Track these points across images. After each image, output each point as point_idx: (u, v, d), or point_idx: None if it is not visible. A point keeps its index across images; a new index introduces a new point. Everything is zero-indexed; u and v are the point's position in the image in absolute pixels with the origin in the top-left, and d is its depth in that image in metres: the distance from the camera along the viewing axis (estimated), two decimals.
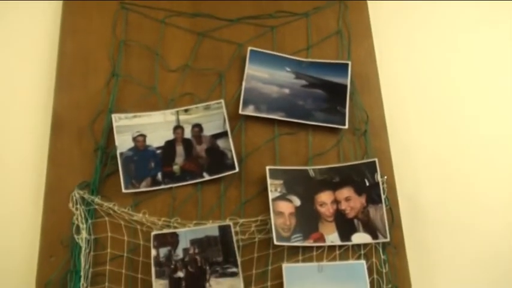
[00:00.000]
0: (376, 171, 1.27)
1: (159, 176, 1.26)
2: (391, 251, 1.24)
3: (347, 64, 1.39)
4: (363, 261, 1.22)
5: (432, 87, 1.47)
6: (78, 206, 1.20)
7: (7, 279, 1.21)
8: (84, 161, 1.26)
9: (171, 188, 1.25)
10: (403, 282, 1.23)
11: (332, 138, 1.33)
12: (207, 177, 1.26)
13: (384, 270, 1.22)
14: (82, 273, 1.15)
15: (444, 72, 1.49)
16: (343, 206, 1.26)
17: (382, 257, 1.23)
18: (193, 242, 1.20)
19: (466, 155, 1.41)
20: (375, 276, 1.21)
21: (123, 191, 1.23)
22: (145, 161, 1.26)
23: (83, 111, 1.30)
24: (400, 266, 1.24)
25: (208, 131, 1.30)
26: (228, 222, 1.21)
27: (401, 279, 1.23)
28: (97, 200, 1.21)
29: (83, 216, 1.20)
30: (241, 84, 1.34)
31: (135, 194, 1.24)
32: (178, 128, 1.30)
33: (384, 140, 1.34)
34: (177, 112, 1.31)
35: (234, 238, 1.20)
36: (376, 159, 1.27)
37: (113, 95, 1.32)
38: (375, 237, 1.24)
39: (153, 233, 1.19)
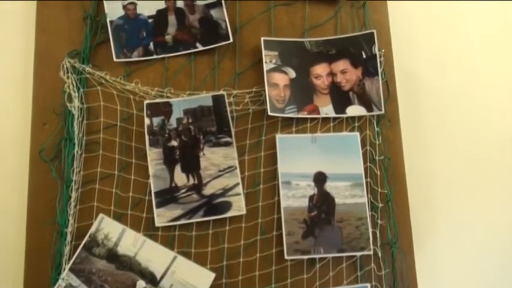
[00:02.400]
0: (373, 43, 1.24)
1: (151, 45, 1.22)
2: (385, 123, 1.24)
3: None
4: (356, 133, 1.22)
5: None
6: (69, 74, 1.18)
7: (0, 146, 1.21)
8: (73, 30, 1.22)
9: (163, 58, 1.23)
10: (395, 154, 1.24)
11: (329, 9, 1.29)
12: (200, 47, 1.23)
13: (377, 142, 1.22)
14: (76, 141, 1.15)
15: None
16: (339, 78, 1.24)
17: (376, 129, 1.23)
18: (187, 112, 1.19)
19: (465, 30, 1.37)
20: (368, 147, 1.22)
21: (115, 60, 1.20)
22: (137, 30, 1.23)
23: None
24: (393, 138, 1.24)
25: None
26: (221, 92, 1.20)
27: (394, 151, 1.23)
28: (88, 68, 1.19)
29: (74, 84, 1.18)
30: None
31: (127, 63, 1.21)
32: None
33: (383, 13, 1.30)
34: None
35: (228, 108, 1.19)
36: (374, 31, 1.24)
37: None
38: (369, 109, 1.23)
39: (146, 101, 1.18)
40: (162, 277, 1.13)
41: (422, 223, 1.26)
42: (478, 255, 1.29)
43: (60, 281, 1.10)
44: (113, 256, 1.13)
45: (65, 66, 1.17)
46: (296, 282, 1.16)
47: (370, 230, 1.18)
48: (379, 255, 1.18)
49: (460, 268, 1.28)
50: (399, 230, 1.19)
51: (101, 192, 1.16)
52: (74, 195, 1.13)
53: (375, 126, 1.23)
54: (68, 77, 1.17)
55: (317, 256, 1.17)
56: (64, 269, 1.11)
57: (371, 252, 1.17)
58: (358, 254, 1.17)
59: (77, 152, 1.15)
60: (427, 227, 1.27)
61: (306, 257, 1.16)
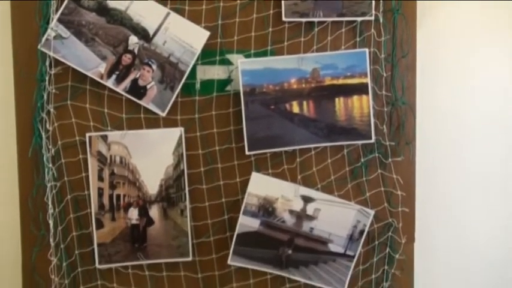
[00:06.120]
0: None
1: None
2: None
3: None
4: None
5: None
6: None
7: None
8: None
9: None
10: None
11: None
12: None
13: None
14: None
15: None
16: None
17: None
18: None
19: None
20: None
21: None
22: None
23: None
24: None
25: None
26: None
27: None
28: None
29: None
30: None
31: None
32: None
33: None
34: None
35: None
36: None
37: None
38: None
39: None
40: (154, 33, 1.09)
41: None
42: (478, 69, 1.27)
43: (49, 30, 1.06)
44: (103, 9, 1.08)
45: None
46: (293, 45, 1.13)
47: None
48: (381, 21, 1.13)
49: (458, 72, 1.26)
50: None
51: None
52: None
53: None
54: None
55: (316, 19, 1.12)
56: (52, 19, 1.06)
57: (372, 18, 1.13)
58: (359, 19, 1.13)
59: None
60: None
61: (304, 19, 1.12)
